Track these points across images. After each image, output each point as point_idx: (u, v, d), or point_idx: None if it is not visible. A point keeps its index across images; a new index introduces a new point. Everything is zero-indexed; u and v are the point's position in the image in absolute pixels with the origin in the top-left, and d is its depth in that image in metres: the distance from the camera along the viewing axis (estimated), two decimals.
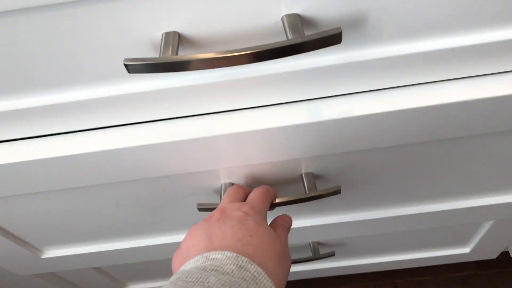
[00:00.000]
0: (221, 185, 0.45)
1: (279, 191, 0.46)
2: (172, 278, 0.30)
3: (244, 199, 0.41)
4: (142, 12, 0.31)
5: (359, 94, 0.38)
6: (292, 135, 0.38)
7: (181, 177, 0.43)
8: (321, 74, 0.37)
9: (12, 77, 0.36)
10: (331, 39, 0.30)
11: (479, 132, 0.40)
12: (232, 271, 0.31)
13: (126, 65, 0.31)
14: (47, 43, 0.33)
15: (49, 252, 0.62)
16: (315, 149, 0.40)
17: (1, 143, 0.42)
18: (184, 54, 0.33)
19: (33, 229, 0.55)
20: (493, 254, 0.81)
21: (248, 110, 0.39)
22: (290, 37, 0.31)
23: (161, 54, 0.32)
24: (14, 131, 0.41)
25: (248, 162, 0.41)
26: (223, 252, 0.32)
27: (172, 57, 0.31)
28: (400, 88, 0.39)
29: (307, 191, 0.43)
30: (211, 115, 0.40)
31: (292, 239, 0.61)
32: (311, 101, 0.39)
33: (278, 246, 0.36)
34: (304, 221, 0.58)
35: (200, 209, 0.45)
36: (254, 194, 0.40)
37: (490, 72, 0.39)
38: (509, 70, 0.39)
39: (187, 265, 0.33)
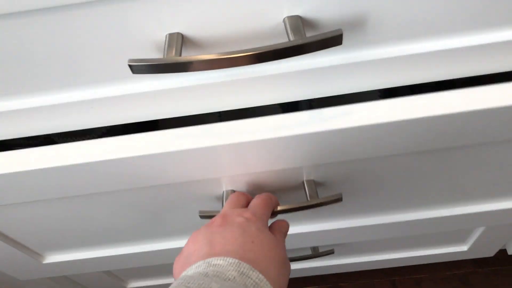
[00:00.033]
0: (223, 192, 0.45)
1: (281, 198, 0.46)
2: (174, 284, 0.30)
3: (246, 206, 0.41)
4: (147, 14, 0.32)
5: (360, 103, 0.38)
6: (294, 144, 0.38)
7: (183, 185, 0.43)
8: (322, 74, 0.38)
9: (20, 78, 0.37)
10: (332, 41, 0.31)
11: (478, 141, 0.41)
12: (234, 277, 0.30)
13: (130, 66, 0.31)
14: (54, 44, 0.34)
15: (50, 257, 0.62)
16: (317, 158, 0.40)
17: (2, 152, 0.42)
18: (188, 55, 0.34)
19: (35, 235, 0.55)
20: (490, 252, 0.81)
21: (250, 119, 0.39)
22: (291, 38, 0.32)
23: (165, 55, 0.32)
24: (21, 130, 0.41)
25: (250, 170, 0.41)
26: (225, 258, 0.32)
27: (176, 58, 0.31)
28: (400, 97, 0.39)
29: (308, 199, 0.43)
30: (213, 124, 0.40)
31: (292, 244, 0.61)
32: (313, 110, 0.39)
33: (279, 252, 0.35)
34: (304, 226, 0.59)
35: (202, 217, 0.45)
36: (256, 201, 0.40)
37: (489, 73, 0.39)
38: (510, 70, 0.39)
39: (189, 270, 0.32)
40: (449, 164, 0.45)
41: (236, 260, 0.32)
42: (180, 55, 0.33)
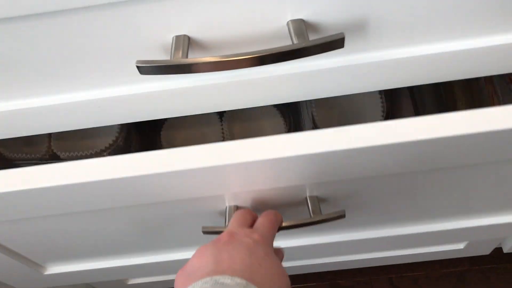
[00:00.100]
0: (226, 207, 0.45)
1: (283, 213, 0.45)
2: None
3: (252, 224, 0.40)
4: (154, 17, 0.33)
5: (362, 125, 0.38)
6: (300, 164, 0.38)
7: (186, 201, 0.43)
8: (325, 75, 0.38)
9: (29, 78, 0.37)
10: (334, 44, 0.31)
11: (478, 162, 0.41)
12: None
13: (138, 67, 0.32)
14: (64, 45, 0.34)
15: (52, 268, 0.61)
16: (321, 176, 0.40)
17: (4, 170, 0.40)
18: (194, 57, 0.34)
19: (36, 247, 0.54)
20: (486, 250, 0.82)
21: (255, 139, 0.38)
22: (295, 41, 0.32)
23: (172, 57, 0.33)
24: (30, 128, 0.42)
25: (254, 188, 0.41)
26: (233, 277, 0.31)
27: (182, 60, 0.32)
28: (401, 119, 0.38)
29: (311, 215, 0.43)
30: (218, 144, 0.39)
31: (293, 257, 0.61)
32: (317, 131, 0.39)
33: (284, 279, 0.35)
34: (305, 239, 0.59)
35: (205, 232, 0.45)
36: (263, 221, 0.39)
37: (490, 73, 0.40)
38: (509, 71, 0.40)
39: (195, 285, 0.32)
40: (451, 182, 0.45)
41: (244, 281, 0.31)
42: (187, 57, 0.33)
